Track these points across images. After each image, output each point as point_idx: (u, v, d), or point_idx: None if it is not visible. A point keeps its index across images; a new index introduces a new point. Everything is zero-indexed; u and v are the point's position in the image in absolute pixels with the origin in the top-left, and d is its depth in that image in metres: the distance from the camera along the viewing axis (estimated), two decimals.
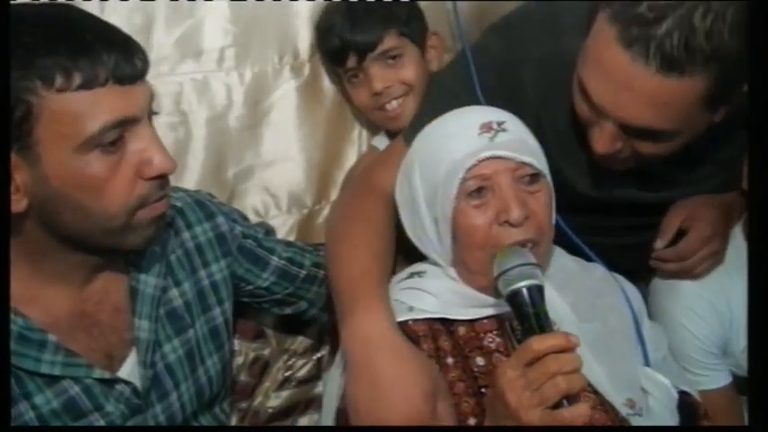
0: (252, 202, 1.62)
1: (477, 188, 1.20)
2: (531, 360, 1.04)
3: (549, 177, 1.25)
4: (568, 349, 1.04)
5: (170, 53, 1.53)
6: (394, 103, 1.56)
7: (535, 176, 1.22)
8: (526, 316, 1.10)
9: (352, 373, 1.17)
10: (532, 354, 1.04)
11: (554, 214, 1.26)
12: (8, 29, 1.01)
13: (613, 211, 1.45)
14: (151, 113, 1.12)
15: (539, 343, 1.05)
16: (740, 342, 1.48)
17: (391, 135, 1.61)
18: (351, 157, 1.70)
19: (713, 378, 1.48)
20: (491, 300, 1.23)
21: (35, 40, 1.01)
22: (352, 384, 1.16)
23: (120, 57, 1.04)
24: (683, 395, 1.29)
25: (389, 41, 1.54)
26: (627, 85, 1.14)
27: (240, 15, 1.56)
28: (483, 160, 1.19)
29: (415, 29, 1.59)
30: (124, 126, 1.06)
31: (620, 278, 1.38)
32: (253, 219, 1.57)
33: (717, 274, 1.48)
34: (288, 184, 1.64)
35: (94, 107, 1.03)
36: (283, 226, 1.63)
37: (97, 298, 1.19)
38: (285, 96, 1.62)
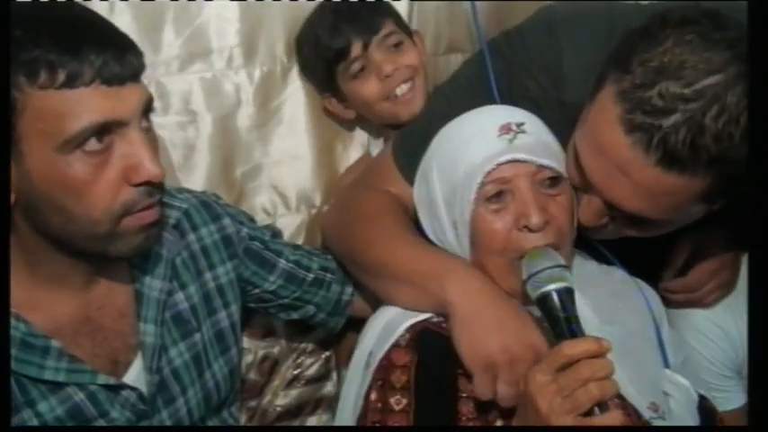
0: (260, 201, 1.62)
1: (496, 193, 1.18)
2: (562, 365, 1.03)
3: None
4: (600, 354, 1.03)
5: (179, 52, 1.53)
6: (404, 86, 1.54)
7: (555, 180, 1.20)
8: (557, 320, 1.08)
9: (467, 322, 1.16)
10: (564, 359, 1.03)
11: (575, 217, 1.24)
12: (8, 29, 0.99)
13: None
14: (146, 116, 1.09)
15: (570, 348, 1.03)
16: None
17: (398, 127, 1.58)
18: (358, 157, 1.69)
19: (728, 399, 1.47)
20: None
21: (25, 34, 0.98)
22: (470, 331, 1.15)
23: (110, 57, 1.01)
24: (702, 399, 1.28)
25: (389, 27, 1.54)
26: (623, 170, 1.09)
27: (248, 14, 1.55)
28: (502, 164, 1.17)
29: (404, 24, 1.60)
30: (109, 128, 1.03)
31: (640, 281, 1.37)
32: (261, 218, 1.57)
33: (727, 300, 1.46)
34: (296, 184, 1.64)
35: (77, 107, 1.00)
36: (292, 225, 1.63)
37: (100, 302, 1.18)
38: (293, 95, 1.62)
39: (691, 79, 1.03)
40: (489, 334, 1.15)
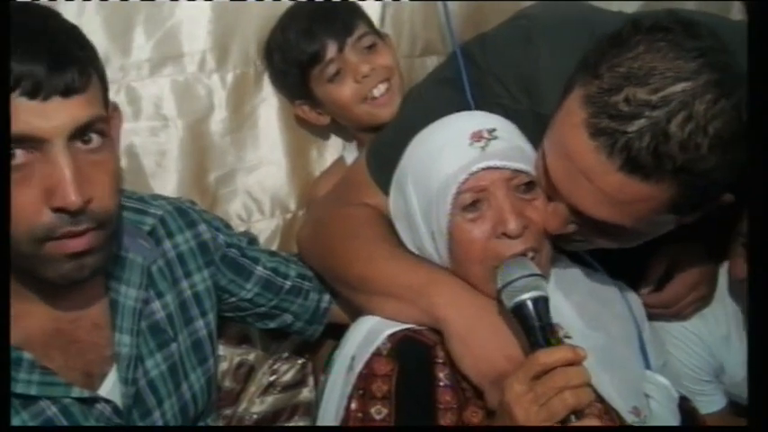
0: (234, 207, 1.60)
1: (472, 201, 1.17)
2: (538, 374, 1.03)
3: None
4: (576, 362, 1.03)
5: (150, 55, 1.50)
6: (381, 86, 1.53)
7: (531, 184, 1.19)
8: (532, 329, 1.08)
9: (464, 336, 1.16)
10: (539, 367, 1.03)
11: None
12: (8, 29, 0.97)
13: None
14: (86, 137, 1.02)
15: (546, 356, 1.04)
16: (735, 372, 1.48)
17: (375, 130, 1.57)
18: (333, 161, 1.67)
19: (710, 402, 1.49)
20: None
21: None
22: (469, 345, 1.15)
23: (38, 68, 0.95)
24: (683, 399, 1.29)
25: (362, 28, 1.54)
26: (586, 175, 1.07)
27: (221, 17, 1.53)
28: (476, 172, 1.17)
29: (374, 26, 1.59)
30: (26, 143, 0.97)
31: (622, 285, 1.37)
32: (235, 224, 1.55)
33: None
34: (271, 189, 1.62)
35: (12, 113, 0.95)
36: (266, 230, 1.62)
37: (74, 314, 1.15)
38: (267, 99, 1.60)
39: (658, 85, 1.02)
40: (490, 346, 1.15)
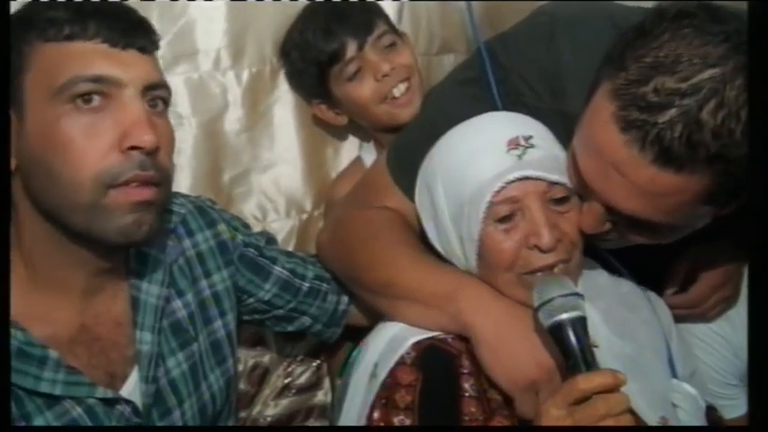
0: (249, 207, 1.58)
1: (506, 213, 1.15)
2: (577, 399, 1.00)
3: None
4: (616, 388, 1.01)
5: (163, 53, 1.44)
6: (401, 86, 1.51)
7: (566, 196, 1.17)
8: (570, 350, 1.05)
9: (494, 343, 1.14)
10: (578, 393, 1.00)
11: None
12: (8, 28, 1.01)
13: None
14: (155, 95, 1.07)
15: (585, 382, 1.01)
16: None
17: (393, 131, 1.55)
18: (349, 161, 1.66)
19: (734, 407, 1.45)
20: None
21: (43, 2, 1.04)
22: (499, 352, 1.13)
23: (116, 21, 1.03)
24: (710, 409, 1.27)
25: (382, 27, 1.52)
26: (618, 170, 1.05)
27: (236, 14, 1.52)
28: (512, 181, 1.14)
29: (393, 25, 1.58)
30: (103, 84, 1.02)
31: (650, 293, 1.34)
32: (251, 224, 1.52)
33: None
34: (286, 189, 1.60)
35: (75, 58, 1.01)
36: (282, 231, 1.60)
37: (97, 310, 1.13)
38: (283, 97, 1.58)
39: (687, 73, 0.99)
40: (520, 353, 1.13)
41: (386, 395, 1.16)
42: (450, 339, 1.19)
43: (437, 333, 1.20)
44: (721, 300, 1.42)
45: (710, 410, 1.27)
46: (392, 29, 1.55)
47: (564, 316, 1.06)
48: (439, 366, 1.16)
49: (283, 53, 1.55)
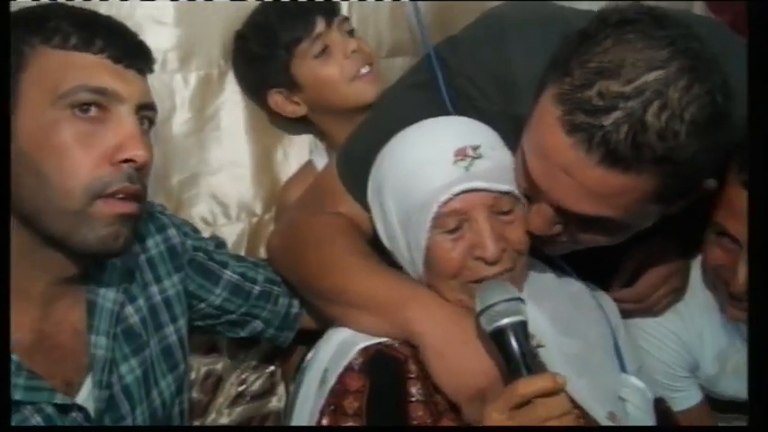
0: (199, 211, 1.56)
1: (452, 224, 1.15)
2: (517, 404, 1.01)
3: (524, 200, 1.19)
4: (556, 391, 1.01)
5: None
6: (366, 66, 1.52)
7: (511, 208, 1.17)
8: (512, 355, 1.05)
9: (442, 352, 1.13)
10: (519, 398, 1.01)
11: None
12: (8, 28, 1.03)
13: None
14: (144, 115, 1.11)
15: (525, 387, 1.01)
16: (710, 367, 1.48)
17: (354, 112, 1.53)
18: (299, 163, 1.64)
19: (686, 398, 1.48)
20: None
21: (47, 10, 1.08)
22: (446, 360, 1.13)
23: (124, 40, 1.09)
24: (658, 402, 1.28)
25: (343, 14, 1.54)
26: (566, 171, 1.06)
27: (184, 17, 1.50)
28: (458, 193, 1.13)
29: None
30: (104, 97, 1.05)
31: (596, 289, 1.36)
32: (200, 228, 1.50)
33: (676, 305, 1.47)
34: (236, 192, 1.59)
35: (81, 68, 1.04)
36: (232, 235, 1.58)
37: (57, 318, 1.12)
38: (231, 100, 1.57)
39: (630, 76, 1.01)
40: (466, 362, 1.12)
41: (334, 401, 1.15)
42: (397, 345, 1.19)
43: (385, 339, 1.19)
44: (667, 293, 1.44)
45: (658, 402, 1.29)
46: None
47: (505, 321, 1.06)
48: (386, 372, 1.16)
49: (240, 42, 1.53)
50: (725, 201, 1.27)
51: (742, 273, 1.26)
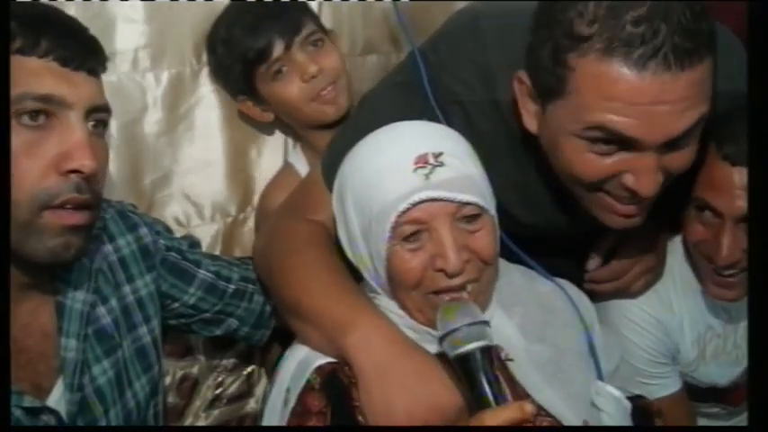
0: (172, 211, 1.54)
1: (411, 233, 1.11)
2: None
3: (493, 209, 1.16)
4: (524, 421, 0.99)
5: None
6: (328, 87, 1.50)
7: (477, 214, 1.13)
8: (476, 381, 1.03)
9: (369, 385, 1.09)
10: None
11: (498, 241, 1.18)
12: (8, 29, 1.00)
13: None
14: (97, 120, 1.07)
15: (492, 419, 0.99)
16: (689, 352, 1.49)
17: (318, 129, 1.54)
18: (273, 162, 1.63)
19: (664, 386, 1.47)
20: (437, 334, 1.13)
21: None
22: (373, 394, 1.09)
23: (69, 41, 1.03)
24: (635, 400, 1.26)
25: (310, 26, 1.50)
26: (661, 100, 1.07)
27: (155, 15, 1.47)
28: (418, 203, 1.09)
29: (321, 23, 1.56)
30: (50, 104, 1.01)
31: (570, 287, 1.32)
32: (174, 229, 1.48)
33: (657, 287, 1.47)
34: (210, 192, 1.57)
35: (25, 73, 1.00)
36: (207, 235, 1.56)
37: (24, 321, 1.09)
38: (204, 99, 1.55)
39: None
40: (393, 398, 1.08)
41: (297, 422, 1.12)
42: (346, 368, 1.14)
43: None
44: (642, 272, 1.44)
45: (635, 399, 1.27)
46: (321, 28, 1.54)
47: (469, 347, 1.03)
48: (340, 394, 1.12)
49: (209, 47, 1.52)
50: (706, 175, 1.29)
51: (726, 244, 1.28)
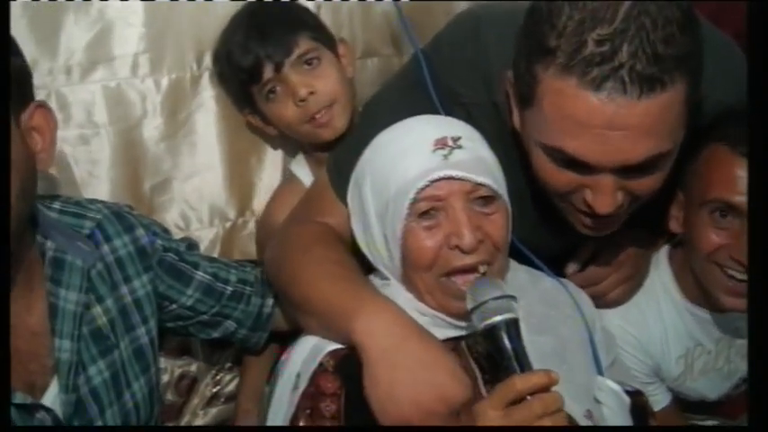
0: (171, 217, 1.55)
1: (428, 209, 1.15)
2: (513, 400, 1.02)
3: (506, 196, 1.20)
4: (550, 387, 1.03)
5: (80, 60, 1.44)
6: (323, 110, 1.48)
7: (491, 197, 1.17)
8: (504, 352, 1.07)
9: (375, 370, 1.09)
10: (515, 394, 1.02)
11: (509, 230, 1.21)
12: (8, 29, 1.01)
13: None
14: None
15: (522, 383, 1.03)
16: (672, 368, 1.49)
17: (318, 149, 1.55)
18: (274, 168, 1.64)
19: (654, 402, 1.47)
20: (448, 320, 1.19)
21: None
22: (378, 380, 1.09)
23: None
24: (634, 395, 1.29)
25: (304, 44, 1.46)
26: (613, 125, 1.07)
27: (155, 18, 1.48)
28: (436, 180, 1.14)
29: (324, 34, 1.53)
30: None
31: (572, 286, 1.36)
32: (173, 233, 1.49)
33: (639, 302, 1.47)
34: (209, 197, 1.58)
35: None
36: (206, 240, 1.57)
37: (12, 322, 1.08)
38: (204, 104, 1.55)
39: (610, 13, 1.05)
40: (398, 386, 1.08)
41: (310, 405, 1.14)
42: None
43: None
44: (620, 281, 1.44)
45: (636, 394, 1.29)
46: (321, 40, 1.50)
47: (498, 318, 1.07)
48: (354, 377, 1.14)
49: (213, 58, 1.53)
50: (722, 176, 1.29)
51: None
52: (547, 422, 1.01)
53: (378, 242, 1.22)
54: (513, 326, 1.08)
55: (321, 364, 1.16)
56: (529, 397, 1.04)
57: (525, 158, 1.24)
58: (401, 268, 1.20)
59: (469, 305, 1.11)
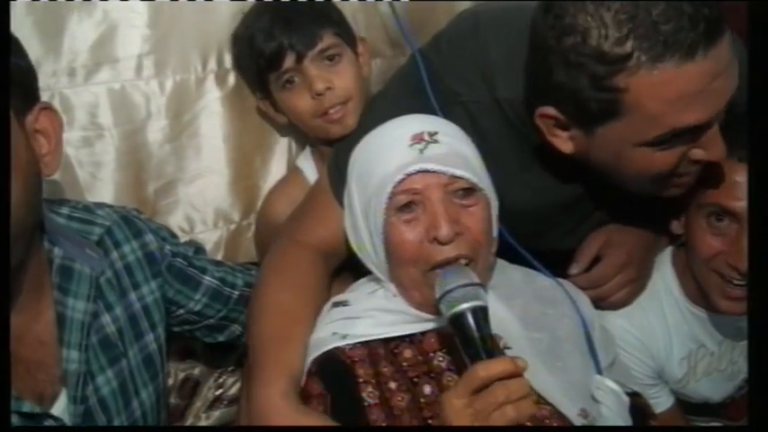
0: (176, 219, 1.55)
1: (406, 203, 1.17)
2: (477, 388, 1.01)
3: (488, 189, 1.21)
4: (516, 374, 1.02)
5: (84, 61, 1.44)
6: (337, 106, 1.48)
7: (469, 190, 1.19)
8: (470, 340, 1.07)
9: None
10: (479, 381, 1.01)
11: (495, 226, 1.23)
12: (8, 29, 0.99)
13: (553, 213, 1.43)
14: None
15: (484, 370, 1.02)
16: (675, 370, 1.50)
17: (324, 143, 1.54)
18: (278, 170, 1.64)
19: (657, 404, 1.48)
20: (431, 315, 1.20)
21: None
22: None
23: None
24: (633, 396, 1.29)
25: (327, 39, 1.47)
26: (716, 74, 1.11)
27: (159, 19, 1.47)
28: (412, 174, 1.16)
29: (347, 32, 1.53)
30: None
31: (569, 285, 1.36)
32: (177, 236, 1.50)
33: (643, 304, 1.48)
34: (213, 199, 1.57)
35: None
36: (210, 242, 1.57)
37: (19, 331, 1.08)
38: (209, 107, 1.55)
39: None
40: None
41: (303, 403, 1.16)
42: (347, 349, 1.19)
43: (336, 345, 1.20)
44: (625, 282, 1.44)
45: (635, 396, 1.30)
46: (344, 38, 1.50)
47: (464, 306, 1.08)
48: (337, 377, 1.17)
49: (231, 41, 1.52)
50: (719, 181, 1.30)
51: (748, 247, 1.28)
52: (509, 410, 1.01)
53: (365, 239, 1.24)
54: (480, 313, 1.08)
55: (308, 369, 1.20)
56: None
57: (539, 151, 1.28)
58: (386, 264, 1.22)
59: (436, 295, 1.12)
